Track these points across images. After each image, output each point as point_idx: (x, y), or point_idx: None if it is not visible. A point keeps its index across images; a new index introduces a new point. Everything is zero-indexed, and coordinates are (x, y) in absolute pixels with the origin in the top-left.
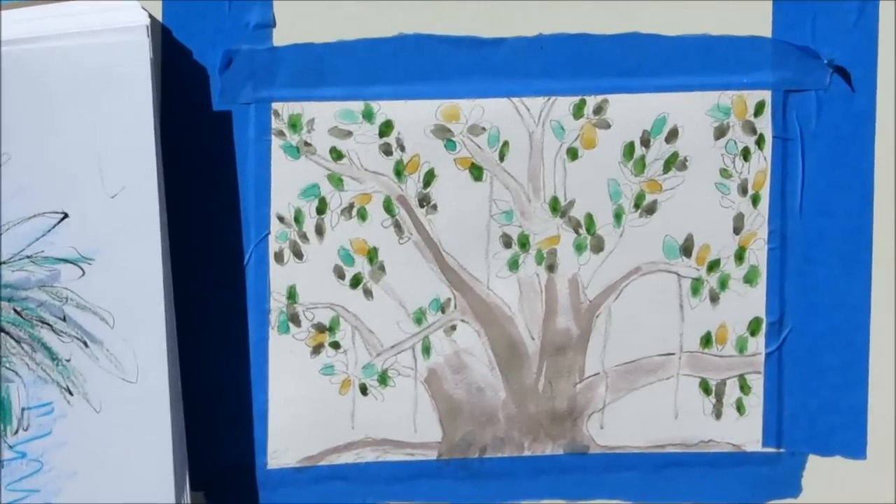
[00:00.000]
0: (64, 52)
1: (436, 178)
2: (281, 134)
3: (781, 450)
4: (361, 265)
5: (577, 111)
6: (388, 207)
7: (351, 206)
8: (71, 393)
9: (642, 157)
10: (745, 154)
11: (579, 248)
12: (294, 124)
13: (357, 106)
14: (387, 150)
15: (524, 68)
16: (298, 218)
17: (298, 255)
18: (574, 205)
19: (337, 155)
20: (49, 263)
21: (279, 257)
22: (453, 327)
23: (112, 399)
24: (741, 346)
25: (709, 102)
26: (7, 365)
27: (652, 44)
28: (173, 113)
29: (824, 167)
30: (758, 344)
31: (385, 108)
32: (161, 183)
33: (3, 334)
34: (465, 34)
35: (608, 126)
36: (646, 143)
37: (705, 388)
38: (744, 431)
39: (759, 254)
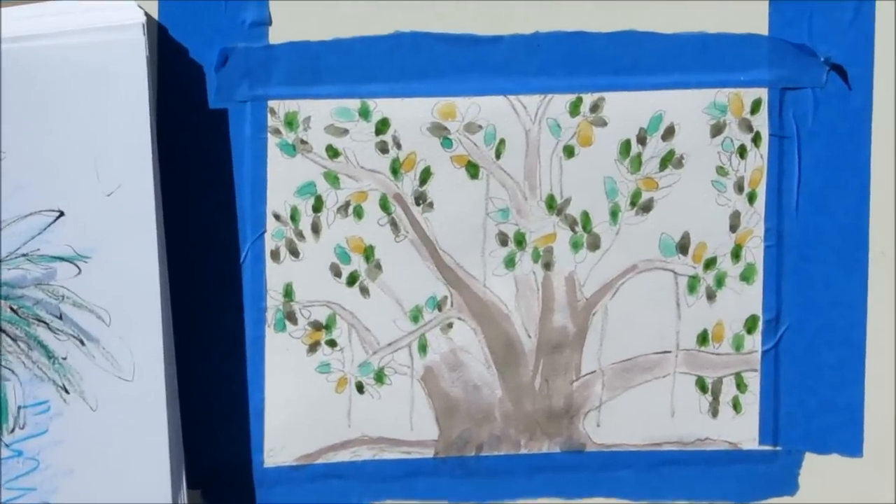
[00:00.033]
0: (60, 51)
1: (432, 175)
2: (277, 132)
3: (778, 448)
4: (358, 263)
5: (574, 109)
6: (384, 205)
7: (347, 203)
8: (67, 391)
9: (639, 155)
10: (742, 152)
11: (576, 245)
12: (290, 122)
13: (353, 104)
14: (383, 148)
15: (521, 66)
16: (295, 216)
17: (295, 253)
18: (570, 203)
19: (333, 153)
20: (45, 261)
21: (275, 255)
22: (450, 325)
23: (108, 397)
24: (738, 344)
25: (705, 100)
26: (3, 363)
27: (648, 42)
28: (169, 111)
29: (821, 165)
30: (754, 342)
31: (381, 106)
32: (157, 181)
33: None
34: (461, 32)
35: (605, 124)
36: (642, 140)
37: (702, 385)
38: (740, 429)
39: (755, 251)
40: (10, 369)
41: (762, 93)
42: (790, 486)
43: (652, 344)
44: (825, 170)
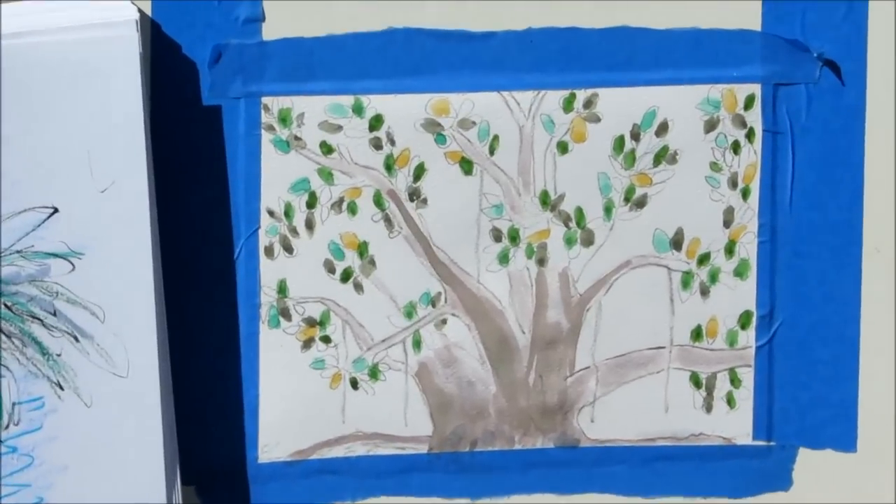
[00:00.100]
0: (53, 47)
1: (426, 172)
2: (271, 128)
3: (772, 443)
4: (352, 259)
5: (567, 105)
6: (378, 201)
7: (341, 200)
8: (62, 387)
9: (632, 151)
10: (735, 147)
11: (569, 241)
12: (284, 119)
13: (347, 100)
14: (377, 145)
15: (514, 62)
16: (288, 212)
17: (288, 249)
18: (564, 198)
19: (327, 149)
20: (39, 258)
21: (269, 252)
22: (444, 321)
23: (103, 393)
24: (732, 340)
25: (699, 96)
26: None
27: (642, 38)
28: (163, 108)
29: (814, 160)
30: (748, 337)
31: (375, 103)
32: (151, 177)
33: None
34: (454, 28)
35: (598, 120)
36: (636, 136)
37: (696, 381)
38: (734, 425)
39: (749, 247)
40: (4, 366)
41: (755, 88)
42: (784, 482)
43: (646, 339)
44: (819, 165)
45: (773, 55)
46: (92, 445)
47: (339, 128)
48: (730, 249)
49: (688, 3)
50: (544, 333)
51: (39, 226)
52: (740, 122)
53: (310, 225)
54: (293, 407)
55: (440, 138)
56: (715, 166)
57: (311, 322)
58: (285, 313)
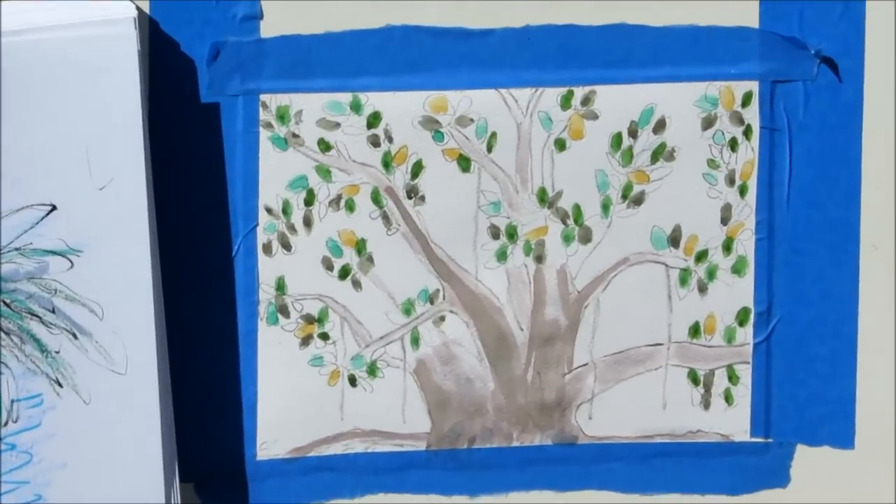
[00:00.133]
0: (52, 45)
1: (424, 169)
2: (269, 126)
3: (770, 440)
4: (350, 256)
5: (565, 102)
6: (376, 199)
7: (339, 197)
8: (60, 385)
9: (630, 148)
10: (733, 145)
11: (567, 238)
12: (282, 116)
13: (345, 97)
14: (374, 142)
15: (512, 59)
16: (286, 209)
17: (287, 246)
18: (562, 196)
19: (325, 146)
20: (38, 255)
21: (267, 249)
22: (442, 318)
23: (101, 391)
24: (729, 337)
25: (696, 93)
26: None
27: (639, 35)
28: (161, 105)
29: (812, 158)
30: (746, 334)
31: (373, 100)
32: (149, 175)
33: None
34: (452, 25)
35: (596, 117)
36: (633, 133)
37: (694, 378)
38: (732, 421)
39: (746, 244)
40: (3, 363)
41: (753, 86)
42: (782, 478)
43: (644, 336)
44: (816, 162)
45: (770, 52)
46: (90, 442)
47: (337, 125)
48: (727, 246)
49: (685, 1)
50: (542, 330)
51: (38, 223)
52: (738, 119)
53: (308, 222)
54: (291, 404)
55: (438, 135)
56: (712, 163)
57: (309, 319)
58: (283, 310)
